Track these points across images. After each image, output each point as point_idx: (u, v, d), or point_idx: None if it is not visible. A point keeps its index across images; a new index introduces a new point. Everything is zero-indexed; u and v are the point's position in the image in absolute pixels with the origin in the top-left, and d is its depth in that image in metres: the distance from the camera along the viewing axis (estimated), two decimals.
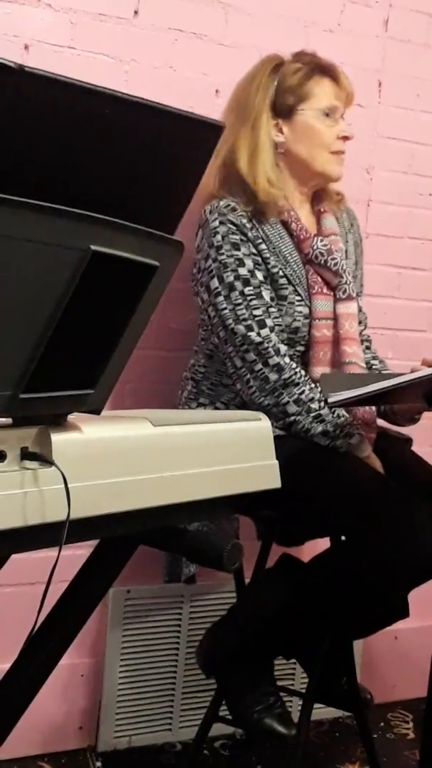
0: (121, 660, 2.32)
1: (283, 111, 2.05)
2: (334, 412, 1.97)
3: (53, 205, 1.02)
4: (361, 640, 2.49)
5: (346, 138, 2.08)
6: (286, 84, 2.05)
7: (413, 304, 2.65)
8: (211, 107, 2.26)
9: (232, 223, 1.98)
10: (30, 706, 1.49)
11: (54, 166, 1.06)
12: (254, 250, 1.99)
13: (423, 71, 2.58)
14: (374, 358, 2.24)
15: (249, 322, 1.96)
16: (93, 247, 1.07)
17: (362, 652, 2.57)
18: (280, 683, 2.29)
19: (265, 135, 2.03)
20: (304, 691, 2.12)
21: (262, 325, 1.96)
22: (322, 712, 2.48)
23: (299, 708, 2.10)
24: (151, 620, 2.35)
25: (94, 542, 1.47)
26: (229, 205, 2.00)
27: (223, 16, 2.29)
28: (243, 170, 2.02)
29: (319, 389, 1.97)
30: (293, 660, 2.34)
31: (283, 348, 1.98)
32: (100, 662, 2.32)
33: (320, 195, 2.17)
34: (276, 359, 1.96)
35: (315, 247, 2.06)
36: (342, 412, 1.98)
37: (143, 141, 1.13)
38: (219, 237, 1.98)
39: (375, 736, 2.44)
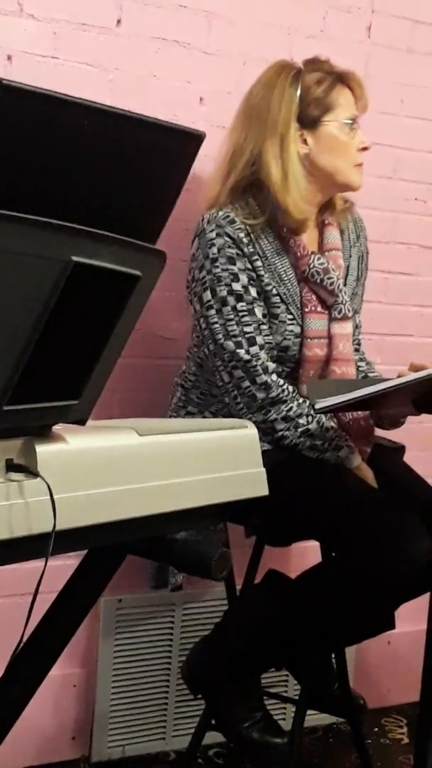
0: (114, 669, 2.32)
1: (308, 122, 2.02)
2: (321, 426, 1.96)
3: (34, 217, 1.02)
4: (353, 646, 2.49)
5: (366, 149, 2.06)
6: (312, 95, 2.01)
7: (400, 308, 2.66)
8: (196, 115, 2.26)
9: (229, 236, 1.96)
10: (23, 717, 1.49)
11: (35, 177, 1.07)
12: (249, 266, 1.97)
13: (407, 77, 2.58)
14: (361, 359, 2.23)
15: (239, 338, 1.95)
16: (75, 258, 1.07)
17: (355, 657, 2.57)
18: (272, 690, 2.30)
19: (294, 149, 2.00)
20: (297, 698, 2.12)
21: (251, 342, 1.95)
22: (315, 718, 2.48)
23: (292, 715, 2.10)
24: (143, 629, 2.35)
25: (82, 552, 1.47)
26: (228, 216, 1.98)
27: (207, 24, 2.29)
28: (275, 185, 1.98)
29: (307, 404, 1.96)
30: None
31: (271, 366, 1.97)
32: (92, 672, 2.31)
33: (326, 204, 2.14)
34: (264, 377, 1.95)
35: (312, 266, 2.03)
36: (330, 424, 1.98)
37: (124, 151, 1.13)
38: (215, 249, 1.96)
39: (369, 741, 2.44)
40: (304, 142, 2.03)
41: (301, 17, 2.41)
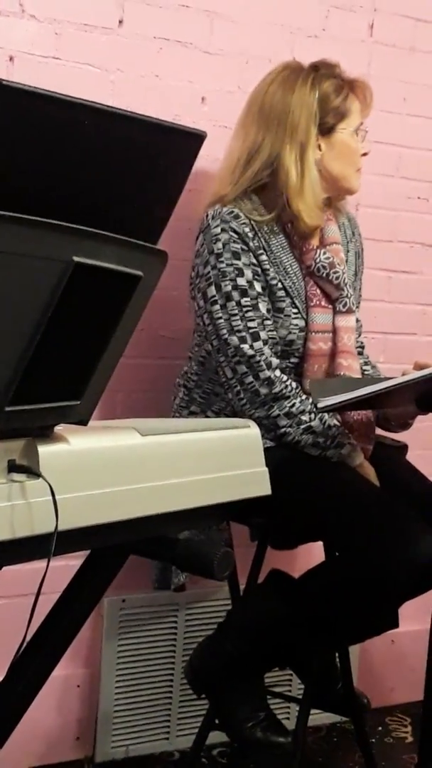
0: (117, 669, 2.32)
1: (324, 129, 2.05)
2: (324, 423, 1.96)
3: (35, 218, 1.02)
4: (357, 644, 2.49)
5: (365, 154, 2.11)
6: (331, 104, 2.03)
7: (403, 307, 2.65)
8: (198, 115, 2.26)
9: (234, 231, 1.97)
10: (26, 717, 1.49)
11: (36, 178, 1.07)
12: (254, 260, 1.98)
13: (409, 75, 2.58)
14: (366, 363, 2.24)
15: (243, 333, 1.95)
16: (76, 259, 1.07)
17: (359, 656, 2.57)
18: (276, 690, 2.30)
19: (312, 156, 2.03)
20: (300, 697, 2.12)
21: (255, 337, 1.96)
22: (319, 717, 2.48)
23: (296, 714, 2.10)
24: (147, 629, 2.35)
25: (85, 553, 1.47)
26: (232, 211, 1.99)
27: (209, 23, 2.29)
28: (292, 191, 2.00)
29: (310, 401, 1.96)
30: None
31: (275, 361, 1.97)
32: (95, 672, 2.31)
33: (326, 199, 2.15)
34: (267, 373, 1.95)
35: (317, 260, 2.04)
36: (333, 422, 1.98)
37: (125, 152, 1.13)
38: (220, 244, 1.97)
39: (373, 740, 2.44)
40: (318, 147, 2.05)
41: (303, 16, 2.41)
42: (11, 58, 2.06)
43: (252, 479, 1.46)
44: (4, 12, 2.05)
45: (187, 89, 2.28)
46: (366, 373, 2.21)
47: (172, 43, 2.25)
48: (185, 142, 1.17)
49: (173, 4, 2.23)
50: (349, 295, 2.08)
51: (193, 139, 1.18)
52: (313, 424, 1.95)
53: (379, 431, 2.16)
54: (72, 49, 2.12)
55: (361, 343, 2.25)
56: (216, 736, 2.19)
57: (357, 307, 2.18)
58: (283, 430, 1.95)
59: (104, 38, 2.16)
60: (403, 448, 2.22)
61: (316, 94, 2.03)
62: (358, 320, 2.17)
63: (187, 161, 1.18)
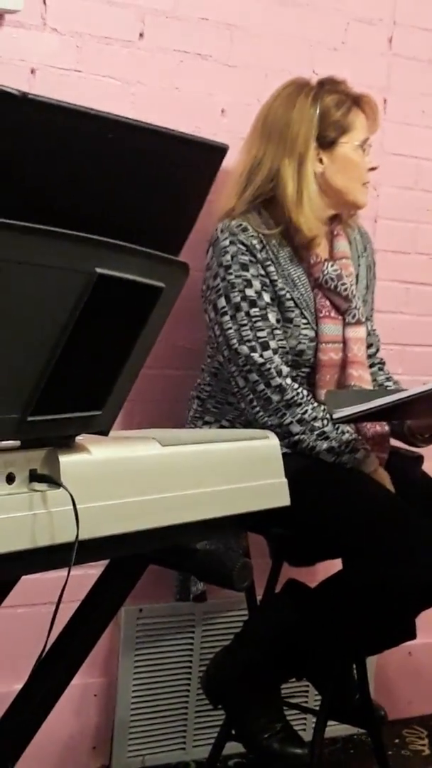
0: (134, 679, 2.32)
1: (325, 142, 2.07)
2: (338, 429, 1.97)
3: (59, 230, 1.04)
4: (374, 656, 2.48)
5: (373, 169, 2.13)
6: (331, 118, 2.06)
7: (422, 319, 2.65)
8: (217, 127, 2.27)
9: (242, 243, 2.00)
10: (43, 726, 1.50)
11: (59, 190, 1.08)
12: (262, 272, 2.01)
13: (428, 87, 2.59)
14: (388, 379, 2.25)
15: (253, 343, 1.97)
16: (99, 270, 1.08)
17: (376, 668, 2.56)
18: (293, 701, 2.29)
19: (311, 169, 2.05)
20: (317, 708, 2.12)
21: (265, 346, 1.97)
22: (336, 729, 2.47)
23: (313, 725, 2.10)
24: (164, 639, 2.35)
25: (104, 562, 1.48)
26: (240, 224, 2.02)
27: (228, 36, 2.31)
28: (290, 203, 2.03)
29: (323, 408, 1.98)
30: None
31: (285, 369, 1.99)
32: (113, 681, 2.32)
33: (334, 216, 2.17)
34: (278, 380, 1.97)
35: (326, 272, 2.07)
36: (347, 428, 1.99)
37: (147, 164, 1.14)
38: (228, 257, 2.00)
39: (390, 753, 2.42)
40: (320, 161, 2.07)
41: (323, 29, 2.42)
42: (33, 71, 2.08)
43: (271, 490, 1.46)
44: (26, 25, 2.07)
45: (206, 101, 2.29)
46: (387, 388, 2.21)
47: (192, 56, 2.26)
48: (207, 155, 1.18)
49: (193, 17, 2.25)
50: (357, 307, 2.10)
51: (216, 152, 1.18)
52: (326, 429, 1.96)
53: (395, 442, 2.16)
54: (93, 62, 2.14)
55: (381, 359, 2.26)
56: (232, 747, 2.19)
57: (368, 319, 2.19)
58: (297, 437, 1.96)
59: (125, 51, 2.18)
60: (419, 458, 2.22)
61: (317, 108, 2.06)
62: (374, 333, 2.18)
63: (209, 174, 1.19)
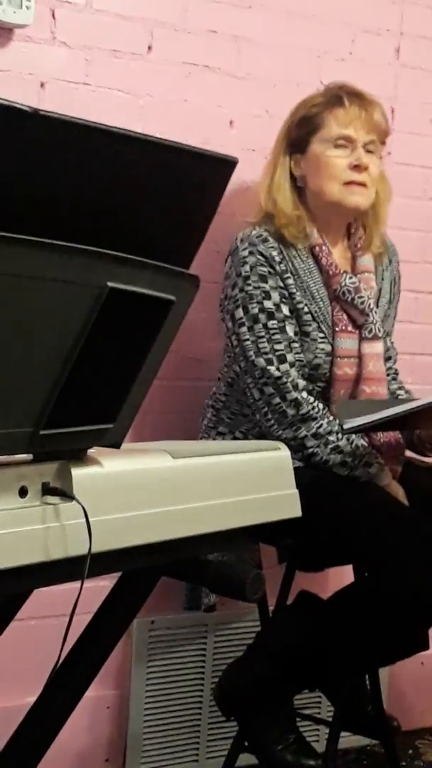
0: (147, 691, 2.32)
1: (299, 145, 2.05)
2: (352, 443, 1.96)
3: (70, 244, 1.04)
4: (387, 667, 2.47)
5: (358, 167, 2.02)
6: (299, 116, 2.05)
7: (431, 328, 2.65)
8: (226, 138, 2.28)
9: (262, 254, 1.99)
10: (56, 738, 1.50)
11: (70, 205, 1.08)
12: (281, 284, 1.99)
13: None
14: (400, 388, 2.24)
15: (270, 356, 1.96)
16: (110, 284, 1.09)
17: (389, 678, 2.56)
18: (305, 712, 2.29)
19: (282, 169, 2.05)
20: (330, 719, 2.11)
21: (282, 359, 1.97)
22: (349, 740, 2.46)
23: (326, 737, 2.09)
24: (176, 650, 2.35)
25: (116, 574, 1.48)
26: (261, 235, 2.01)
27: (236, 48, 2.31)
28: (261, 202, 2.05)
29: (338, 422, 1.96)
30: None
31: (301, 383, 1.98)
32: (125, 694, 2.31)
33: (359, 234, 2.14)
34: (294, 394, 1.96)
35: (343, 284, 2.04)
36: (361, 442, 1.98)
37: (158, 178, 1.15)
38: (247, 267, 1.99)
39: (403, 763, 2.42)
40: (299, 165, 2.06)
41: (330, 40, 2.43)
42: (42, 85, 2.09)
43: (283, 501, 1.46)
44: (35, 39, 2.08)
45: (215, 113, 2.30)
46: (399, 397, 2.21)
47: (200, 68, 2.27)
48: (217, 168, 1.18)
49: (201, 30, 2.26)
50: (374, 322, 2.07)
51: (225, 165, 1.19)
52: (340, 444, 1.96)
53: (409, 453, 2.16)
54: (102, 75, 2.15)
55: (396, 369, 2.25)
56: (245, 759, 2.19)
57: (390, 333, 2.17)
58: (310, 450, 1.96)
59: (133, 64, 2.19)
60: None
61: (296, 112, 2.06)
62: (392, 346, 2.17)
63: (219, 187, 1.20)
